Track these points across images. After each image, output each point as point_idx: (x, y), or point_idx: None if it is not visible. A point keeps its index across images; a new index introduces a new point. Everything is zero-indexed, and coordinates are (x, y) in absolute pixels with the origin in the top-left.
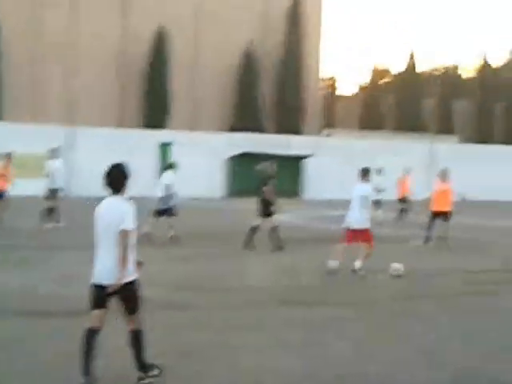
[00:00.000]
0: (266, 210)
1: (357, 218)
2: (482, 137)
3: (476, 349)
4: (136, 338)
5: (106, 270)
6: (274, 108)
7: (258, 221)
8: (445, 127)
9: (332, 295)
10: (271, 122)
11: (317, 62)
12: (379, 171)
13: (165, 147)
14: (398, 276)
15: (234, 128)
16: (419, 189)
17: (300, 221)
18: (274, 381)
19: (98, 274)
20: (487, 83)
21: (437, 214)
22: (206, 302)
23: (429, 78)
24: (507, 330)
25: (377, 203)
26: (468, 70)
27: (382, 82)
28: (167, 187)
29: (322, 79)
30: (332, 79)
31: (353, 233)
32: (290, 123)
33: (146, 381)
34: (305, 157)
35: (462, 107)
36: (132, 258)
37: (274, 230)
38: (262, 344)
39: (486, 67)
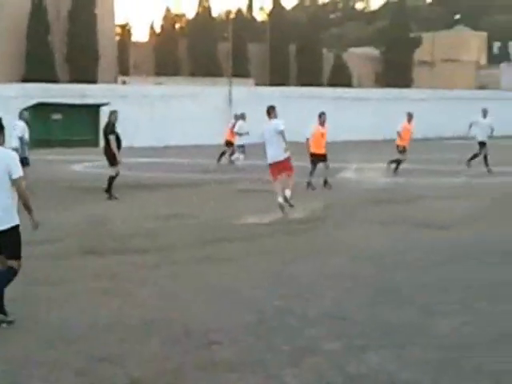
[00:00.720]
0: (111, 159)
1: (274, 153)
2: (278, 79)
3: (281, 289)
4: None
5: None
6: (68, 57)
7: (112, 170)
8: (241, 70)
9: (137, 242)
10: (66, 72)
11: (111, 8)
12: (242, 116)
13: None
14: (285, 206)
15: (26, 79)
16: (216, 132)
17: (103, 169)
18: (78, 330)
19: None
20: (279, 25)
21: (315, 156)
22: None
23: (223, 22)
24: (305, 270)
25: (240, 147)
26: (261, 13)
27: (177, 26)
28: (21, 139)
29: (116, 25)
30: (126, 25)
31: (275, 167)
32: (85, 72)
33: None
34: (101, 105)
35: (256, 50)
36: (16, 203)
37: (113, 178)
38: (67, 295)
39: (277, 9)
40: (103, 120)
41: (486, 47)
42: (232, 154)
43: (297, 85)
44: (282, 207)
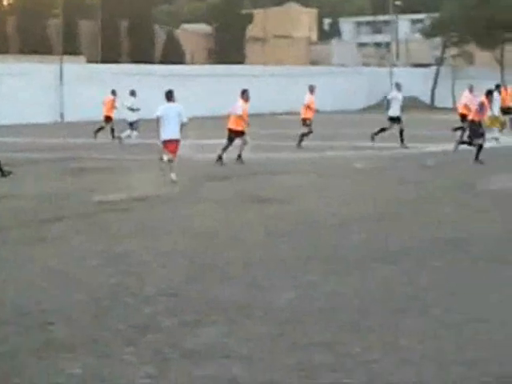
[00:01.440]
0: None
1: (170, 132)
2: (110, 56)
3: (115, 267)
4: None
5: None
6: None
7: None
8: (71, 48)
9: None
10: None
11: None
12: (133, 92)
13: None
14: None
15: None
16: (46, 110)
17: None
18: None
19: None
20: (110, 2)
21: (233, 132)
22: None
23: None
24: (139, 248)
25: (134, 123)
26: None
27: (5, 3)
28: None
29: None
30: None
31: (168, 143)
32: None
33: None
34: None
35: (87, 27)
36: None
37: None
38: None
39: None
40: None
41: (317, 24)
42: (112, 130)
43: (129, 62)
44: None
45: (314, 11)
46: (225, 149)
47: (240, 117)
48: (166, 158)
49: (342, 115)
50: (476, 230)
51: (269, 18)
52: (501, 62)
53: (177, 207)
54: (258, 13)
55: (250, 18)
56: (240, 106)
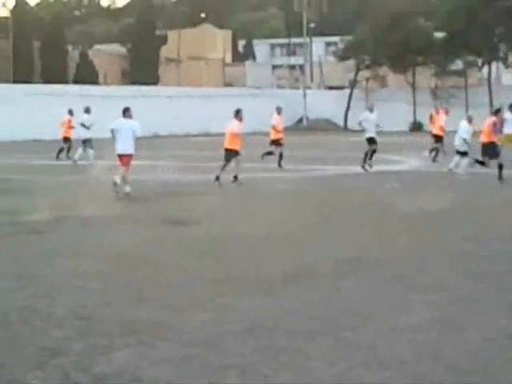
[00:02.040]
0: None
1: (124, 147)
2: (22, 76)
3: (26, 290)
4: None
5: None
6: None
7: None
8: None
9: None
10: None
11: None
12: (87, 110)
13: None
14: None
15: None
16: None
17: None
18: None
19: None
20: (23, 21)
21: (231, 152)
22: None
23: None
24: (52, 271)
25: (87, 141)
26: (3, 9)
27: None
28: None
29: None
30: None
31: (123, 158)
32: None
33: None
34: None
35: None
36: None
37: None
38: None
39: (21, 5)
40: None
41: (232, 45)
42: (69, 150)
43: (41, 82)
44: (116, 185)
45: (228, 32)
46: (223, 168)
47: (236, 136)
48: (118, 180)
49: (258, 137)
50: (385, 251)
51: (183, 40)
52: (412, 85)
53: (94, 229)
54: (172, 34)
55: (164, 39)
56: (235, 126)
